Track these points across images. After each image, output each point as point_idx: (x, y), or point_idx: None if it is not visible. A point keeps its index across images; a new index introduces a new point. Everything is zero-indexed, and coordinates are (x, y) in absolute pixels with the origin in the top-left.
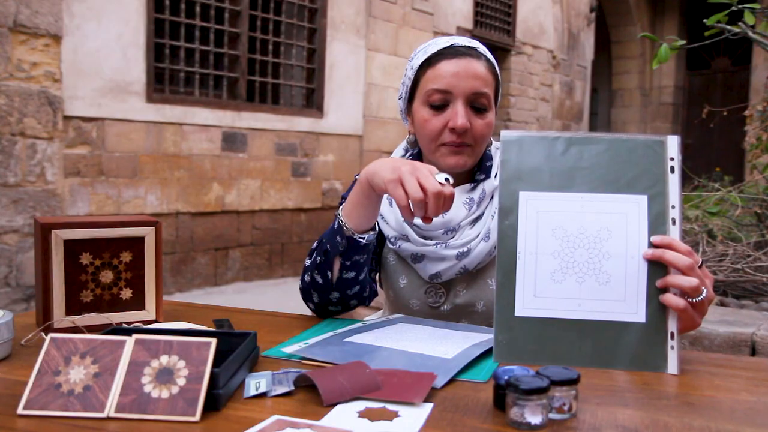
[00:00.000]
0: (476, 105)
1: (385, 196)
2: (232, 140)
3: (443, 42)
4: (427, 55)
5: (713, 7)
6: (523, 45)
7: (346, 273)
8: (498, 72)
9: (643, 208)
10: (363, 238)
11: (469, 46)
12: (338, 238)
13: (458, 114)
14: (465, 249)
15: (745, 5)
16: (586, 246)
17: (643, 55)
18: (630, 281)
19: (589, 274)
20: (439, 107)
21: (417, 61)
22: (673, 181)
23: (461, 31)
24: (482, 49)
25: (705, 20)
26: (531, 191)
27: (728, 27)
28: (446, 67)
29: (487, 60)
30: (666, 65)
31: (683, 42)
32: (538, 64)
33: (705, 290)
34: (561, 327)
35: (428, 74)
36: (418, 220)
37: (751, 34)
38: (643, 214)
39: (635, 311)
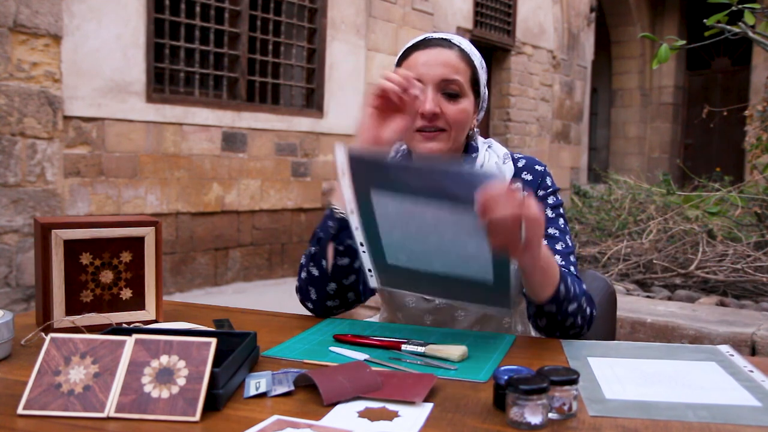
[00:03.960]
0: (447, 91)
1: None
2: (232, 140)
3: (422, 36)
4: (404, 49)
5: (713, 7)
6: (523, 45)
7: (340, 259)
8: (475, 61)
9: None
10: None
11: (442, 38)
12: (329, 222)
13: (426, 99)
14: None
15: (745, 5)
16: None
17: (643, 55)
18: None
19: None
20: None
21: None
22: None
23: (461, 31)
24: (457, 39)
25: (705, 20)
26: (599, 357)
27: (728, 27)
28: (417, 58)
29: (461, 49)
30: (666, 65)
31: (683, 42)
32: (538, 64)
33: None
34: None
35: (402, 66)
36: None
37: (751, 34)
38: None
39: None
